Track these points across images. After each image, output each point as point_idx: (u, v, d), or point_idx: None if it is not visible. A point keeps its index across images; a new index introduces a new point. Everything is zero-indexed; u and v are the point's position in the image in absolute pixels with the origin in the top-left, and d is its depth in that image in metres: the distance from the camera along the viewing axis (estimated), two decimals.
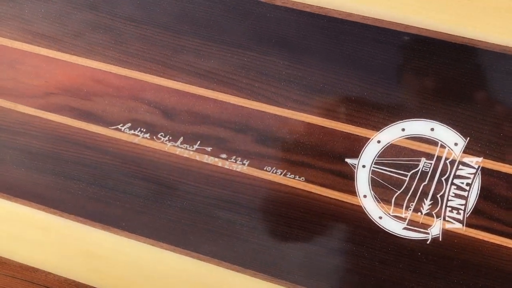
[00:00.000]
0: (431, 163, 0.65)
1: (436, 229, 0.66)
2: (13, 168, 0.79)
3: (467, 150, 0.64)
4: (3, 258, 0.81)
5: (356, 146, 0.67)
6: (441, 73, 0.63)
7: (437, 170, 0.65)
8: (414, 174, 0.66)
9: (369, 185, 0.67)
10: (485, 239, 0.65)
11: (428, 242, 0.67)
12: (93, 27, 0.71)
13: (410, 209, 0.67)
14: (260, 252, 0.73)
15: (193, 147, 0.71)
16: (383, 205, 0.67)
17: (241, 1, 0.67)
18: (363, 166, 0.67)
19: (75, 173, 0.76)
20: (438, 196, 0.66)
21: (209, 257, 0.74)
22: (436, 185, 0.66)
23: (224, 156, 0.71)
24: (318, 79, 0.66)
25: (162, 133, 0.72)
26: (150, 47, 0.70)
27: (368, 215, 0.68)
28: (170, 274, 0.77)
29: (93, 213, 0.77)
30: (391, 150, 0.66)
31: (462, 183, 0.65)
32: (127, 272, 0.79)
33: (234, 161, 0.70)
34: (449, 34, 0.63)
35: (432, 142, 0.65)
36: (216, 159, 0.71)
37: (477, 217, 0.65)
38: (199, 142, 0.71)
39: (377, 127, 0.66)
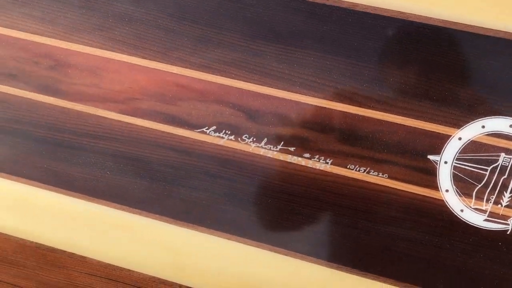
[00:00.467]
0: (510, 158, 0.69)
1: None
2: (97, 171, 0.82)
3: None
4: (87, 257, 0.85)
5: (438, 143, 0.70)
6: None
7: None
8: (494, 168, 0.69)
9: (451, 180, 0.70)
10: None
11: (508, 232, 0.70)
12: (175, 34, 0.74)
13: (490, 202, 0.70)
14: (344, 247, 0.76)
15: (276, 148, 0.74)
16: (465, 198, 0.71)
17: (320, 7, 0.70)
18: (445, 162, 0.70)
19: (160, 175, 0.79)
20: None
21: (293, 252, 0.78)
22: None
23: (307, 155, 0.74)
24: (399, 80, 0.69)
25: (246, 135, 0.75)
26: (231, 52, 0.73)
27: (450, 209, 0.71)
28: (254, 270, 0.81)
29: (178, 212, 0.80)
30: (471, 146, 0.69)
31: None
32: (212, 269, 0.82)
33: (317, 160, 0.74)
34: None
35: (511, 138, 0.68)
36: (300, 159, 0.74)
37: None
38: (282, 142, 0.74)
39: (458, 125, 0.69)
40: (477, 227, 0.71)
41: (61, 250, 0.85)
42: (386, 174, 0.72)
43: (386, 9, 0.67)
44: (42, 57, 0.78)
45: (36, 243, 0.85)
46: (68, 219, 0.85)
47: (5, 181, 0.84)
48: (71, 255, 0.84)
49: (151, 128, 0.78)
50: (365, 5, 0.68)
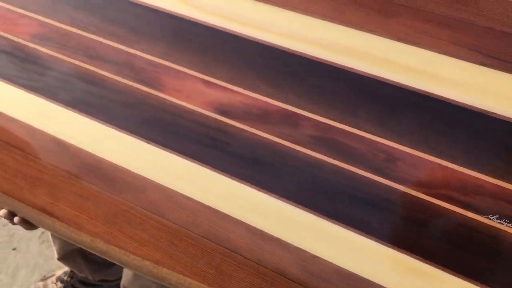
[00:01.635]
0: None
1: None
2: (384, 227, 1.18)
3: None
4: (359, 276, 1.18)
5: None
6: None
7: None
8: None
9: None
10: None
11: None
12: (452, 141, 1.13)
13: None
14: None
15: None
16: None
17: None
18: None
19: (439, 242, 1.14)
20: None
21: None
22: None
23: None
24: None
25: None
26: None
27: None
28: None
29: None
30: None
31: None
32: None
33: None
34: None
35: None
36: None
37: None
38: None
39: None
40: None
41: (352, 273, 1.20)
42: None
43: None
44: (380, 152, 1.21)
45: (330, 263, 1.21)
46: (358, 252, 1.20)
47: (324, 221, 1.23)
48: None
49: (442, 207, 1.14)
50: None
